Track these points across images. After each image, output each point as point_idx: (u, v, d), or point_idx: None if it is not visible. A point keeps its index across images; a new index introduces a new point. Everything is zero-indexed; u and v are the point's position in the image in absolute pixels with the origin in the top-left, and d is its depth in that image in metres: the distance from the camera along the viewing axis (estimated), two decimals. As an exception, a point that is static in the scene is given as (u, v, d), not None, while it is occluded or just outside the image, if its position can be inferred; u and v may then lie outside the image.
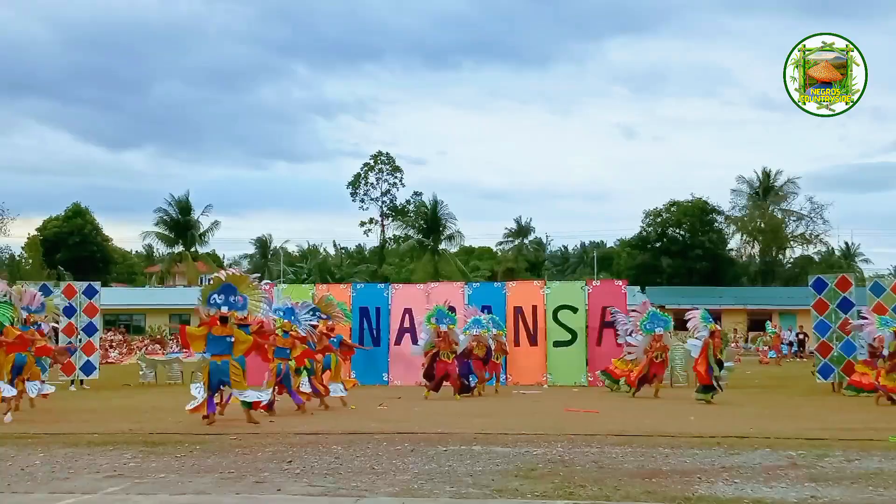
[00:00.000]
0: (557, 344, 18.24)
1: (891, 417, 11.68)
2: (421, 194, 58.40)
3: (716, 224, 52.65)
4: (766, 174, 52.38)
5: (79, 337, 17.84)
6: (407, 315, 18.59)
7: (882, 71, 62.24)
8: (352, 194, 58.27)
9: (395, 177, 58.13)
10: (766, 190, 52.18)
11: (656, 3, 71.46)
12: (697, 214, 51.29)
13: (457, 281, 29.91)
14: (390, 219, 58.56)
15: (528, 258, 59.45)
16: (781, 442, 9.28)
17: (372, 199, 58.24)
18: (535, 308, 18.43)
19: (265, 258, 59.10)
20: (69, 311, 18.02)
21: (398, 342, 18.48)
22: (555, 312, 18.34)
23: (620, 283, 20.60)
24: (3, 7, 71.94)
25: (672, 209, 52.35)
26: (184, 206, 53.39)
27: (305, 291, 18.99)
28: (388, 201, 58.41)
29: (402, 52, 77.93)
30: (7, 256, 47.57)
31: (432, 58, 79.92)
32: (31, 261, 47.87)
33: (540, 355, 18.28)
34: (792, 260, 54.65)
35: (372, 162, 58.48)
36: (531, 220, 61.76)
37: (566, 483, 6.72)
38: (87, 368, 17.88)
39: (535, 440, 9.55)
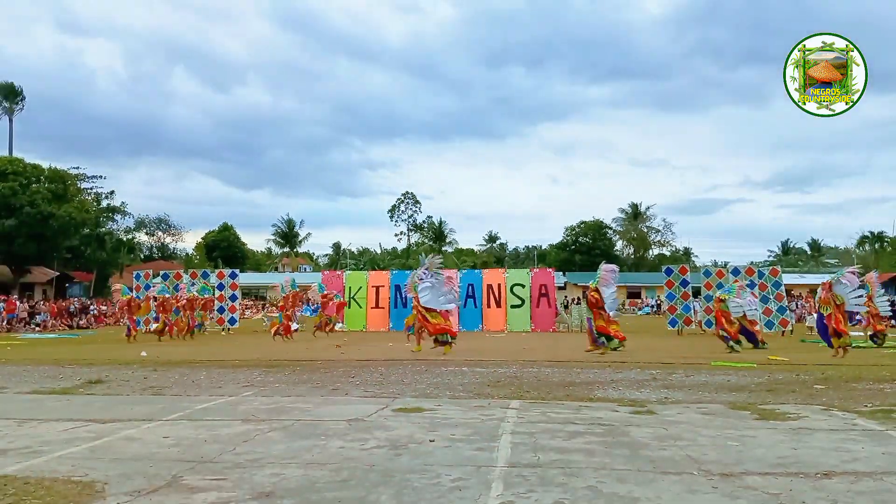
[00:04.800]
0: (513, 307, 27.30)
1: (714, 349, 15.91)
2: (431, 217, 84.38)
3: (607, 235, 78.46)
4: (636, 205, 79.91)
5: (227, 303, 27.57)
6: None
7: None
8: (389, 217, 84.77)
9: (416, 207, 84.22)
10: (635, 215, 79.29)
11: (569, 101, 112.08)
12: (596, 229, 77.31)
13: (452, 269, 39.74)
14: (413, 232, 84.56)
15: (496, 255, 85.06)
16: (646, 365, 12.93)
17: (402, 220, 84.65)
18: (499, 285, 27.58)
19: (337, 256, 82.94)
20: (220, 287, 27.64)
21: None
22: (511, 288, 27.50)
23: (550, 270, 30.34)
24: (182, 106, 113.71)
25: (581, 226, 77.83)
26: (289, 224, 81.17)
27: (362, 276, 27.71)
28: (411, 221, 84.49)
29: (418, 131, 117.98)
30: (184, 255, 73.38)
31: (436, 135, 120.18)
32: (198, 257, 72.34)
33: (502, 313, 27.09)
34: (653, 256, 79.19)
35: (401, 197, 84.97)
36: (498, 232, 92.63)
37: (519, 389, 9.64)
38: (231, 321, 27.39)
39: (500, 364, 13.09)
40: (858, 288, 15.16)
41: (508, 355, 14.91)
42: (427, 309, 15.73)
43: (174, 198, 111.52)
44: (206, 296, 26.21)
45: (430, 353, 15.41)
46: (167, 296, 23.49)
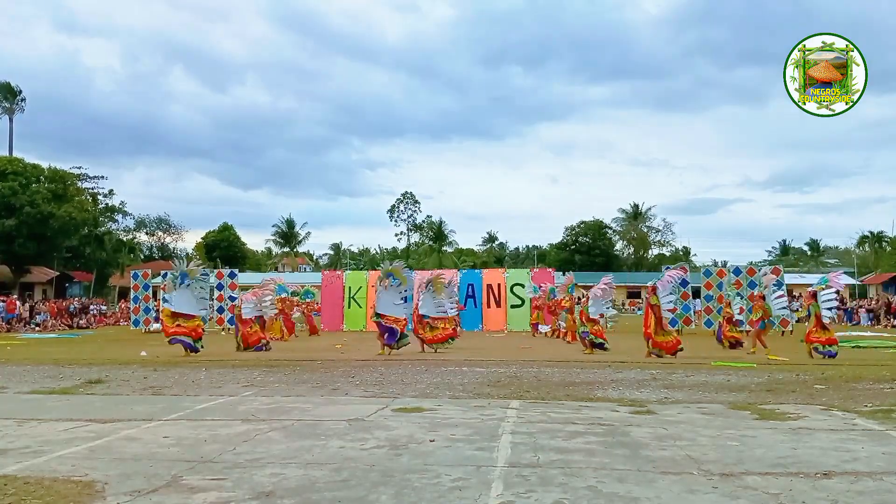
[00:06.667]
0: (513, 306, 27.95)
1: (712, 349, 15.80)
2: (431, 216, 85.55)
3: (607, 234, 79.30)
4: (636, 205, 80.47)
5: (226, 303, 26.68)
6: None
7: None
8: (389, 217, 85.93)
9: (415, 206, 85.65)
10: (635, 215, 79.74)
11: (568, 101, 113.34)
12: (596, 229, 77.92)
13: (452, 268, 41.76)
14: (413, 232, 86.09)
15: (496, 255, 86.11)
16: (645, 364, 13.13)
17: (402, 220, 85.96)
18: (499, 285, 28.25)
19: (338, 255, 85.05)
20: (220, 287, 27.17)
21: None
22: (511, 287, 28.07)
23: (550, 270, 31.29)
24: (181, 105, 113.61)
25: (581, 226, 78.63)
26: (289, 224, 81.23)
27: (362, 276, 27.74)
28: (411, 221, 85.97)
29: (417, 131, 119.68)
30: (184, 255, 68.35)
31: (435, 134, 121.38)
32: (198, 257, 69.81)
33: (502, 313, 27.73)
34: (652, 256, 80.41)
35: (401, 197, 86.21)
36: (498, 232, 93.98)
37: (518, 389, 9.79)
38: (231, 321, 25.98)
39: (499, 363, 13.28)
40: (670, 294, 15.27)
41: (508, 355, 15.00)
42: (177, 314, 15.72)
43: (174, 198, 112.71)
44: (308, 300, 27.02)
45: (429, 352, 15.48)
46: (286, 296, 24.07)
